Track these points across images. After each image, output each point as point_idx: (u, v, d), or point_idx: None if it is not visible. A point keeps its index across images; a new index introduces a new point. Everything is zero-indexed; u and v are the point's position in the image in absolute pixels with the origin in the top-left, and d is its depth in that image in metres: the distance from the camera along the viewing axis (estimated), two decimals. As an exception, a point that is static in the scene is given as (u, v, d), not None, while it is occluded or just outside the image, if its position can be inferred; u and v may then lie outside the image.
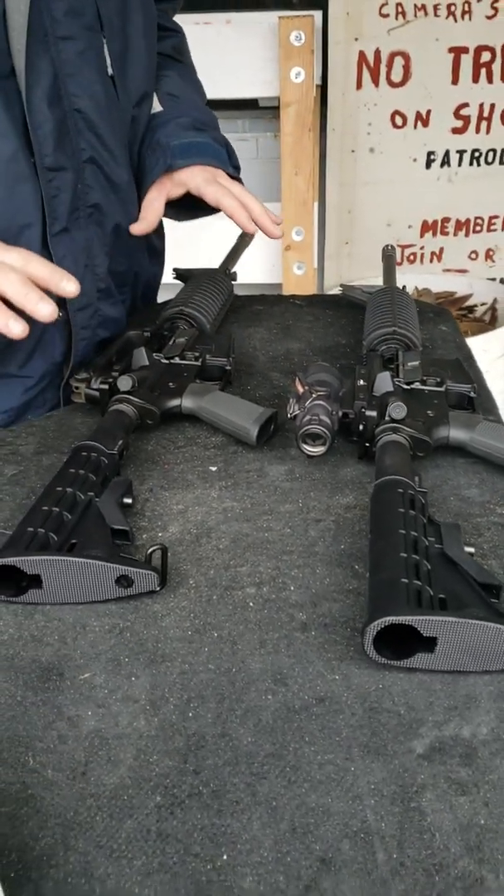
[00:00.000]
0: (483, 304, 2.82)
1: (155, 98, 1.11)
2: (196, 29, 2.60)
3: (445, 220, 2.86)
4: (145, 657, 0.60)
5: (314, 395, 0.81)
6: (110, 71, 0.97)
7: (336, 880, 0.44)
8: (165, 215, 1.13)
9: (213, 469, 0.83)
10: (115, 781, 0.50)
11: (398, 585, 0.57)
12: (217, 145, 1.11)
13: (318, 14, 2.48)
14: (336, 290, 2.75)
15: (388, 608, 0.56)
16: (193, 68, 1.25)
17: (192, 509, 0.76)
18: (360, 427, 0.80)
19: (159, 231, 1.21)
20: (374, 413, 0.80)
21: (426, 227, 2.90)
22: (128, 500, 0.73)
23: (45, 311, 0.78)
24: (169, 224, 1.21)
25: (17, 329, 0.77)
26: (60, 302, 0.83)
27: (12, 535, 0.66)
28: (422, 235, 2.90)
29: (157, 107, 1.11)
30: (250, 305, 1.25)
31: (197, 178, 1.07)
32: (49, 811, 0.48)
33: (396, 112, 2.68)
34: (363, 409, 0.80)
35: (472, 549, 0.64)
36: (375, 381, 0.85)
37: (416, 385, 0.87)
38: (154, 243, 1.19)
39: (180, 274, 1.22)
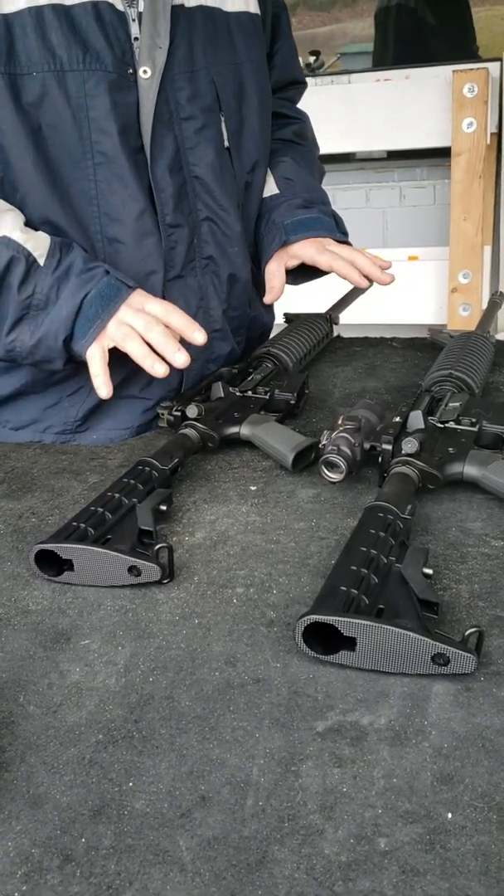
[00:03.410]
0: None
1: (272, 180, 1.27)
2: (377, 86, 2.76)
3: None
4: (136, 633, 0.73)
5: (340, 428, 0.90)
6: (226, 143, 1.14)
7: (207, 813, 0.54)
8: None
9: (253, 488, 0.95)
10: (74, 720, 0.63)
11: (336, 591, 0.66)
12: (325, 217, 1.25)
13: (494, 66, 2.54)
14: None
15: (319, 609, 0.65)
16: (313, 146, 1.40)
17: (220, 520, 0.89)
18: (380, 459, 0.89)
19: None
20: (389, 447, 0.88)
21: None
22: (163, 508, 0.87)
23: (181, 360, 0.97)
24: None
25: (160, 370, 0.97)
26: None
27: (62, 526, 0.82)
28: None
29: (273, 189, 1.27)
30: (350, 346, 1.35)
31: (309, 250, 1.21)
32: (19, 734, 0.62)
33: None
34: (381, 443, 0.89)
35: (429, 571, 0.71)
36: (409, 419, 0.93)
37: (451, 424, 0.94)
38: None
39: (288, 318, 1.36)
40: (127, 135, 1.03)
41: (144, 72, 1.02)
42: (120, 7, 1.00)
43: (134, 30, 1.01)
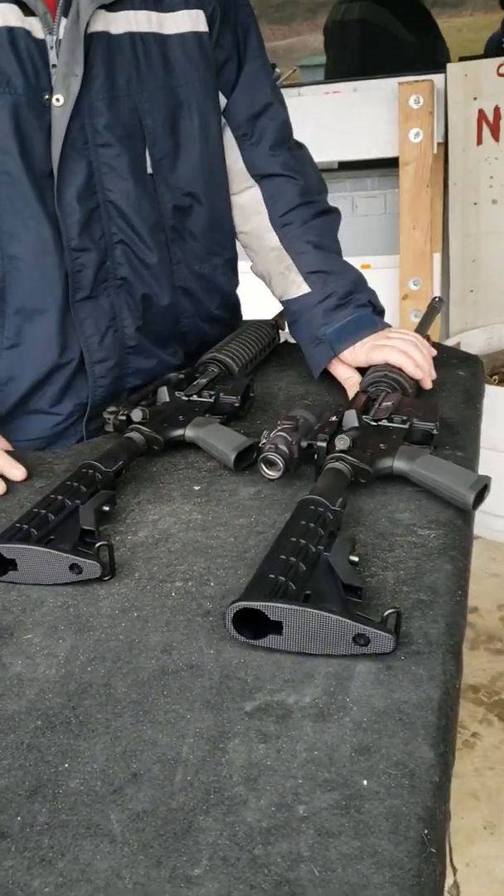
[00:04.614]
0: None
1: (300, 278, 1.26)
2: (326, 98, 2.81)
3: None
4: (76, 626, 0.75)
5: (279, 428, 0.94)
6: (150, 170, 1.14)
7: (137, 788, 0.57)
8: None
9: (197, 488, 0.98)
10: (15, 709, 0.66)
11: (264, 579, 0.70)
12: (363, 310, 1.22)
13: (438, 77, 2.61)
14: (457, 338, 2.82)
15: (248, 596, 0.68)
16: (317, 188, 1.33)
17: (163, 519, 0.92)
18: (315, 456, 0.93)
19: (227, 304, 1.35)
20: (323, 444, 0.92)
21: None
22: (106, 508, 0.90)
23: (17, 476, 1.05)
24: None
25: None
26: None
27: (6, 528, 0.85)
28: (550, 283, 2.91)
29: (304, 288, 1.25)
30: (296, 351, 1.39)
31: (359, 357, 1.19)
32: (-40, 723, 0.65)
33: (519, 164, 2.73)
34: (317, 441, 0.92)
35: (355, 558, 0.74)
36: (343, 418, 0.97)
37: (384, 422, 0.98)
38: (214, 314, 1.32)
39: (236, 324, 1.39)
40: (31, 158, 1.05)
41: (57, 99, 1.04)
42: (39, 35, 1.02)
43: (53, 57, 1.03)
